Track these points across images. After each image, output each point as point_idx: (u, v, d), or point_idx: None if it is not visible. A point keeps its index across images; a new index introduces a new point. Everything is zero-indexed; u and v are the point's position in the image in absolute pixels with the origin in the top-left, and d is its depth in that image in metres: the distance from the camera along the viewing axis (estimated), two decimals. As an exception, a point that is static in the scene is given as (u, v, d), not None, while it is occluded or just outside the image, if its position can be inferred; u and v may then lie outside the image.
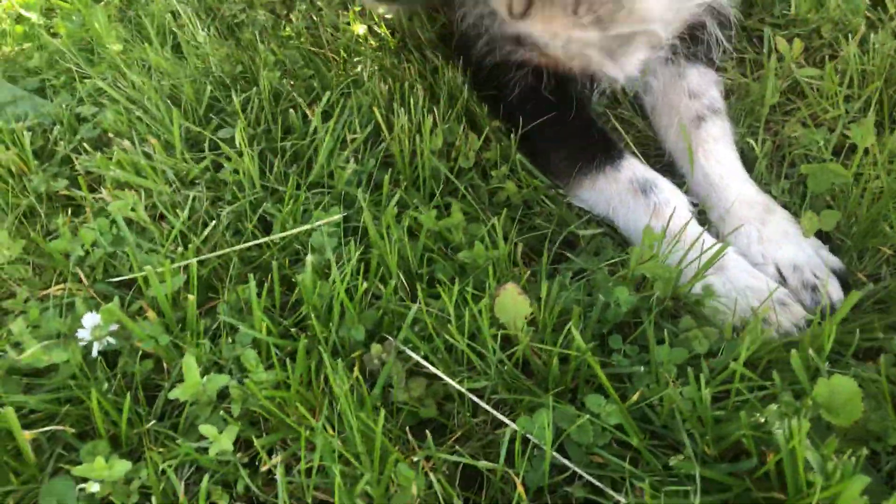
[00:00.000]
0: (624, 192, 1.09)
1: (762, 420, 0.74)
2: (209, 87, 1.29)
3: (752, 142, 1.16)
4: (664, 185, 1.08)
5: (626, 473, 0.78)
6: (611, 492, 0.77)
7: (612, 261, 1.02)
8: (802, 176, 1.11)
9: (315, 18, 1.47)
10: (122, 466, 0.74)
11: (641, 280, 0.98)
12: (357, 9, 1.46)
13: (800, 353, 0.78)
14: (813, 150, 1.15)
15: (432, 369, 0.84)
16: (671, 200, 1.06)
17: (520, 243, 1.05)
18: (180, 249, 0.99)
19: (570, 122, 1.14)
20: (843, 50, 1.23)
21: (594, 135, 1.14)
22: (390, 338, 0.87)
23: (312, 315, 0.88)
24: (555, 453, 0.81)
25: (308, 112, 1.24)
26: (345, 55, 1.40)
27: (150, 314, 0.94)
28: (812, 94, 1.22)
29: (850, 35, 1.26)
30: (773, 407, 0.74)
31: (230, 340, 0.92)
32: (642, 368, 0.85)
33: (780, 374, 0.79)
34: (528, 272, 1.01)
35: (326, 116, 1.24)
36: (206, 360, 0.88)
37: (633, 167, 1.10)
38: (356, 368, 0.86)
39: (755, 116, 1.21)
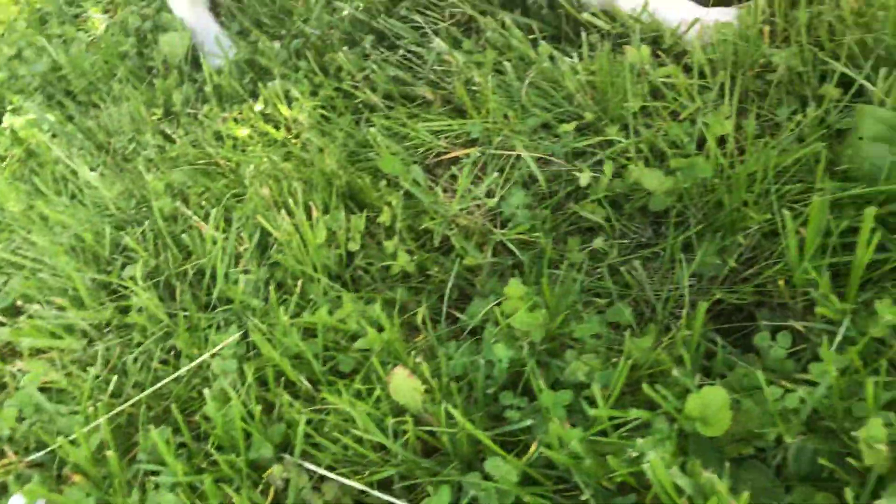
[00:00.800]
0: None
1: (635, 454, 0.78)
2: (108, 229, 1.34)
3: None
4: None
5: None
6: (519, 552, 0.81)
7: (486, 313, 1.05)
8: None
9: (199, 131, 1.52)
10: None
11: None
12: (235, 114, 1.51)
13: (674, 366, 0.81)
14: (679, 144, 1.18)
15: (328, 474, 0.88)
16: None
17: (421, 311, 1.09)
18: (91, 409, 1.03)
19: None
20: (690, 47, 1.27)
21: None
22: (287, 455, 0.91)
23: (215, 449, 0.92)
24: (466, 525, 0.85)
25: (202, 230, 1.28)
26: (234, 162, 1.44)
27: (77, 478, 0.99)
28: (669, 93, 1.26)
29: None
30: (639, 441, 0.77)
31: (154, 486, 0.97)
32: (529, 422, 0.89)
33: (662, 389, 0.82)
34: (426, 343, 1.05)
35: (224, 230, 1.28)
36: (133, 512, 0.92)
37: None
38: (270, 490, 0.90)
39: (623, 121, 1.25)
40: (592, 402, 0.87)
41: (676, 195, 1.12)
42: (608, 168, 1.17)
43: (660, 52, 1.31)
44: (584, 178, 1.18)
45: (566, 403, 0.90)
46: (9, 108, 1.87)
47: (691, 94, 1.24)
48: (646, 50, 1.29)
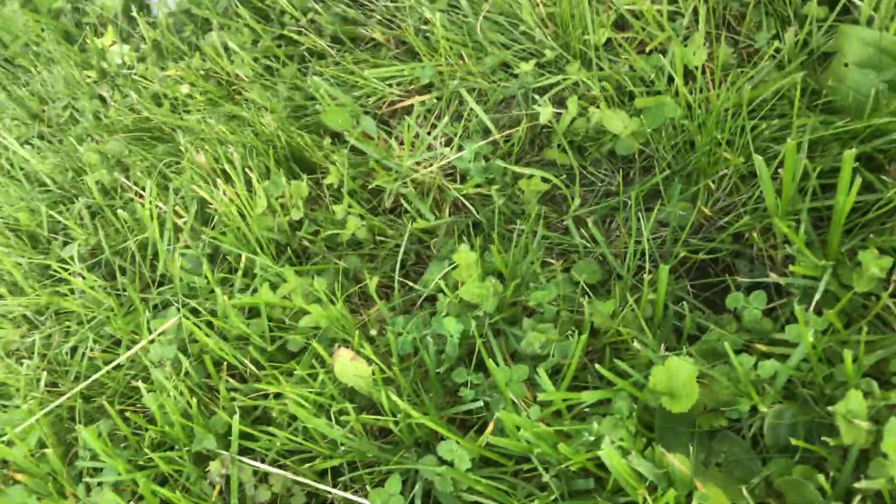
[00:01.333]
0: None
1: (592, 438, 0.71)
2: (43, 207, 1.25)
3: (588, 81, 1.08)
4: None
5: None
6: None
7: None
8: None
9: (136, 94, 1.41)
10: None
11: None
12: (173, 72, 1.40)
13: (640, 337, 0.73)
14: (647, 80, 1.07)
15: (270, 469, 0.82)
16: None
17: (374, 278, 1.01)
18: (26, 406, 0.97)
19: None
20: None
21: None
22: (223, 452, 0.85)
23: (158, 443, 0.86)
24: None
25: (139, 203, 1.20)
26: (174, 125, 1.34)
27: (20, 477, 0.93)
28: (636, 22, 1.14)
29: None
30: (595, 425, 0.70)
31: (98, 483, 0.91)
32: (482, 402, 0.81)
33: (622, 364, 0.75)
34: (379, 315, 0.97)
35: (164, 201, 1.19)
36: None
37: None
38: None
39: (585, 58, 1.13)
40: (550, 377, 0.80)
41: (644, 137, 1.03)
42: (572, 104, 1.06)
43: (625, -24, 1.18)
44: (545, 113, 1.08)
45: (523, 378, 0.82)
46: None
47: (659, 23, 1.12)
48: (609, -26, 1.17)
